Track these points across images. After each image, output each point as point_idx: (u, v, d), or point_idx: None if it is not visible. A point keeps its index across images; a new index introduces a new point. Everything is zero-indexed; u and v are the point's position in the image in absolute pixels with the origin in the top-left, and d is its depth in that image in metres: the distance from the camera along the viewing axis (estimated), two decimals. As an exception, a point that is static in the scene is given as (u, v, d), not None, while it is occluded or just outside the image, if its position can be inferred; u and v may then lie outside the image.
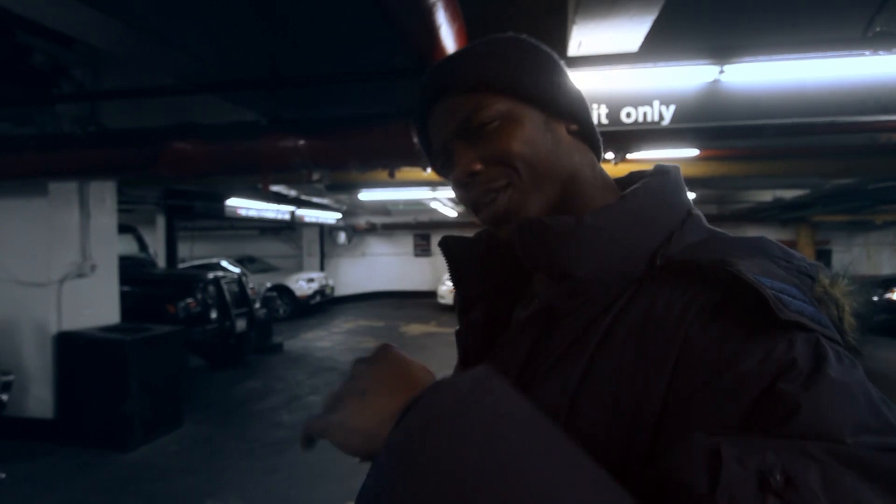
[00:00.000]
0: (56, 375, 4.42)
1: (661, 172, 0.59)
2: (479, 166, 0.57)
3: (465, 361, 0.63)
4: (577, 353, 0.51)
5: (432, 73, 0.60)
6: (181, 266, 9.67)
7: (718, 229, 0.56)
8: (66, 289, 4.46)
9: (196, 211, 8.81)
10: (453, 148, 0.59)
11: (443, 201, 9.72)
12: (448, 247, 0.67)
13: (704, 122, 2.93)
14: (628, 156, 4.45)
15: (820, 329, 0.42)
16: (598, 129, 0.64)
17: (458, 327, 0.66)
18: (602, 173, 0.62)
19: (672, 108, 2.93)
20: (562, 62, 0.62)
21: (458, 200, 0.62)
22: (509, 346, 0.55)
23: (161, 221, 8.87)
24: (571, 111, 0.60)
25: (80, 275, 4.57)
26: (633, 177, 0.64)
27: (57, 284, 4.41)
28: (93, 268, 4.65)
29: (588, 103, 0.64)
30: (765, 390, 0.38)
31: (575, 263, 0.51)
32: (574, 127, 0.60)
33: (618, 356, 0.48)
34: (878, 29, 2.44)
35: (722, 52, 2.60)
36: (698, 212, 0.57)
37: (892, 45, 2.38)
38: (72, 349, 4.41)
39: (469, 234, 0.68)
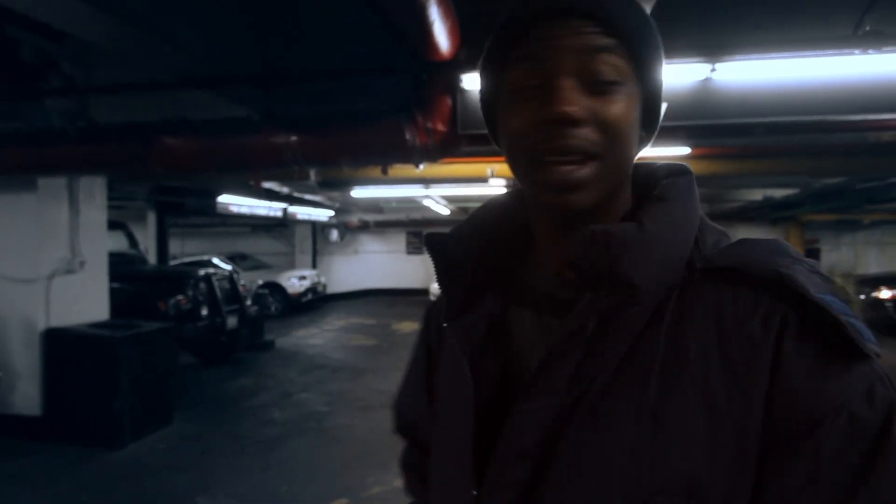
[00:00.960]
0: (44, 372, 4.38)
1: (685, 171, 0.56)
2: (582, 113, 0.48)
3: (476, 374, 0.56)
4: (639, 368, 0.48)
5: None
6: (172, 263, 9.60)
7: (718, 226, 0.56)
8: (54, 285, 4.42)
9: (187, 207, 8.75)
10: (558, 80, 0.49)
11: (435, 199, 9.71)
12: (434, 245, 0.61)
13: (696, 120, 2.95)
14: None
15: (878, 353, 0.45)
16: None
17: (449, 331, 0.60)
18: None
19: (664, 105, 2.93)
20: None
21: (516, 138, 0.52)
22: (555, 362, 0.50)
23: (152, 218, 8.81)
24: (655, 118, 0.56)
25: (69, 271, 4.53)
26: (642, 169, 0.59)
27: (45, 280, 4.37)
28: (82, 264, 4.61)
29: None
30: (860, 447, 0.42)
31: (639, 273, 0.48)
32: (644, 134, 0.55)
33: (701, 374, 0.46)
34: (867, 28, 2.47)
35: (713, 50, 2.61)
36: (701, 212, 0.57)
37: (882, 44, 2.41)
38: (60, 346, 4.37)
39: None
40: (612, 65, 0.49)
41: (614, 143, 0.50)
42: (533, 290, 0.59)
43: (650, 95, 0.53)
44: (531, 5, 0.50)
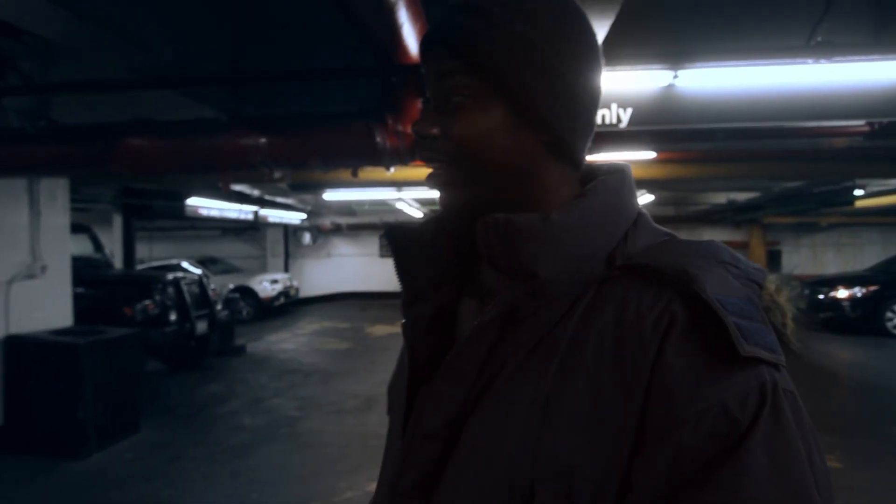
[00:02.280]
0: (4, 381, 4.23)
1: (618, 170, 0.58)
2: (434, 131, 0.56)
3: (414, 359, 0.60)
4: (542, 359, 0.50)
5: (440, 20, 0.56)
6: (139, 267, 9.37)
7: (665, 229, 0.57)
8: (14, 290, 4.28)
9: (155, 210, 8.55)
10: (423, 105, 0.59)
11: (408, 202, 9.71)
12: (394, 237, 0.63)
13: (660, 125, 3.03)
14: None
15: (773, 359, 0.44)
16: (586, 139, 0.59)
17: (403, 321, 0.62)
18: (569, 174, 0.59)
19: (629, 111, 3.01)
20: (593, 53, 0.57)
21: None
22: (466, 349, 0.53)
23: (118, 221, 8.58)
24: (549, 123, 0.54)
25: (30, 276, 4.39)
26: (591, 171, 0.61)
27: (5, 286, 4.23)
28: (43, 269, 4.47)
29: (593, 111, 0.59)
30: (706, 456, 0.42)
31: (540, 263, 0.50)
32: (545, 137, 0.55)
33: (594, 367, 0.47)
34: (819, 38, 2.58)
35: (676, 56, 2.69)
36: (645, 211, 0.58)
37: (833, 54, 2.52)
38: (21, 353, 4.23)
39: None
40: (456, 85, 0.54)
41: (465, 152, 0.55)
42: (481, 283, 0.61)
43: (527, 104, 0.53)
44: (421, 41, 0.58)
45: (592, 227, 0.53)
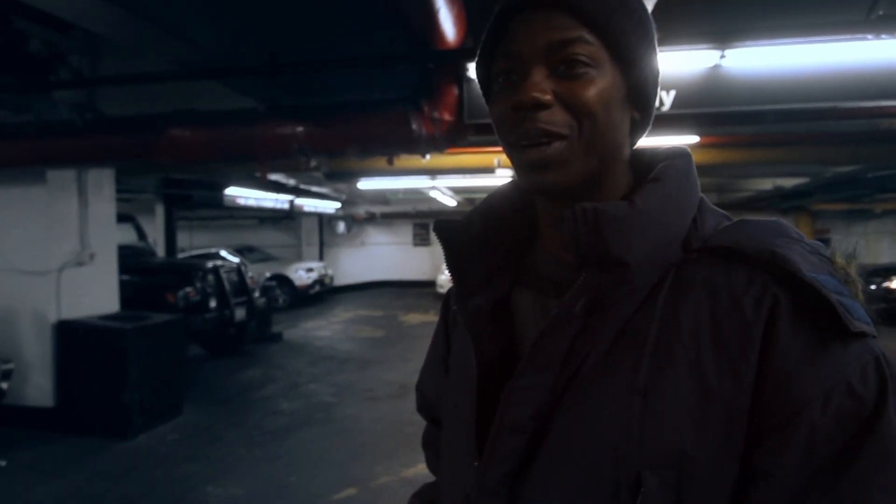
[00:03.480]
0: (55, 364, 4.43)
1: (683, 154, 0.57)
2: (549, 98, 0.51)
3: (480, 353, 0.59)
4: (631, 345, 0.49)
5: None
6: (180, 255, 9.66)
7: (723, 211, 0.57)
8: (65, 277, 4.46)
9: (195, 200, 8.78)
10: (529, 68, 0.52)
11: (442, 190, 9.69)
12: (443, 231, 0.62)
13: (705, 107, 2.92)
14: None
15: (872, 331, 0.45)
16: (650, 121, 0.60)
17: (461, 316, 0.61)
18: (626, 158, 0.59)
19: (672, 93, 2.91)
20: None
21: (498, 124, 0.56)
22: (548, 339, 0.52)
23: (160, 210, 8.85)
24: (646, 100, 0.57)
25: (79, 263, 4.56)
26: (645, 155, 0.61)
27: (56, 273, 4.40)
28: (91, 256, 4.64)
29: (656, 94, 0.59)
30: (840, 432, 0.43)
31: (630, 250, 0.49)
32: (637, 115, 0.57)
33: (693, 351, 0.47)
34: (880, 12, 2.42)
35: (723, 36, 2.57)
36: (703, 195, 0.57)
37: (895, 29, 2.36)
38: (71, 337, 4.41)
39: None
40: (585, 46, 0.52)
41: (584, 123, 0.52)
42: (538, 273, 0.61)
43: (636, 78, 0.55)
44: (508, 1, 0.54)
45: (671, 212, 0.52)
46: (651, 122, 0.59)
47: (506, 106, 0.54)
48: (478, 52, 0.60)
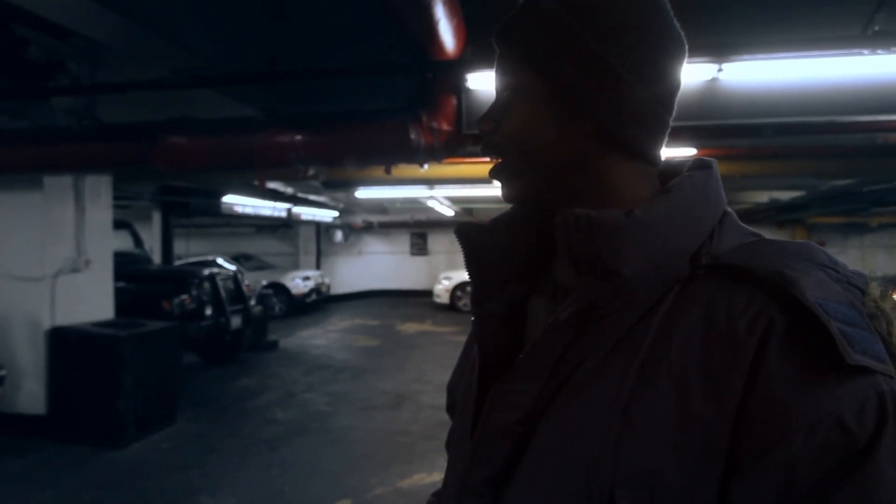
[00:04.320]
0: (49, 371, 4.39)
1: (705, 166, 0.56)
2: (488, 127, 0.58)
3: (485, 356, 0.60)
4: (622, 359, 0.48)
5: (504, 21, 0.58)
6: (177, 263, 9.63)
7: (753, 229, 0.55)
8: (60, 284, 4.43)
9: (192, 208, 8.77)
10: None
11: (439, 200, 9.70)
12: (465, 234, 0.63)
13: (702, 120, 2.93)
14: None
15: (882, 369, 0.41)
16: (648, 131, 0.55)
17: (473, 318, 0.62)
18: (638, 169, 0.56)
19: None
20: (654, 42, 0.53)
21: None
22: (540, 346, 0.52)
23: (157, 218, 8.84)
24: (586, 107, 0.53)
25: (75, 270, 4.54)
26: (672, 167, 0.60)
27: (51, 279, 4.38)
28: (87, 263, 4.62)
29: (655, 104, 0.54)
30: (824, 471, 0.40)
31: (623, 260, 0.48)
32: (589, 126, 0.53)
33: (679, 369, 0.45)
34: (876, 28, 2.45)
35: (720, 49, 2.59)
36: (731, 210, 0.56)
37: (891, 44, 2.38)
38: (65, 344, 4.38)
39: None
40: (506, 75, 0.57)
41: (512, 143, 0.57)
42: (553, 280, 0.61)
43: (558, 88, 0.54)
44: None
45: (677, 225, 0.50)
46: (641, 129, 0.54)
47: None
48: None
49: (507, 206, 0.66)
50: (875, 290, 0.47)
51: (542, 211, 0.64)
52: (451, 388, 0.83)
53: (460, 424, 0.64)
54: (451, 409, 0.84)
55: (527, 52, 0.55)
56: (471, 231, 0.63)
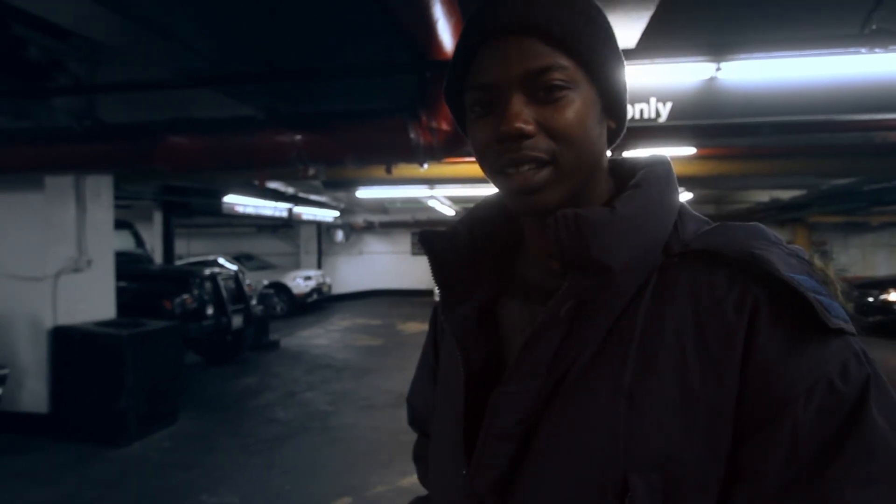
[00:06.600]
0: (51, 369, 4.41)
1: (662, 161, 0.59)
2: (532, 128, 0.51)
3: (468, 361, 0.59)
4: (616, 349, 0.50)
5: (512, 10, 0.52)
6: (178, 263, 9.64)
7: (703, 216, 0.58)
8: (61, 283, 4.45)
9: (193, 207, 8.79)
10: (508, 97, 0.52)
11: (440, 199, 9.71)
12: (428, 242, 0.63)
13: (701, 119, 2.93)
14: (624, 154, 4.45)
15: (851, 329, 0.46)
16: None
17: (447, 325, 0.61)
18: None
19: (669, 105, 2.93)
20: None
21: (481, 153, 0.56)
22: (534, 345, 0.52)
23: (158, 217, 8.86)
24: (620, 109, 0.58)
25: (76, 269, 4.55)
26: (626, 163, 0.62)
27: (52, 279, 4.39)
28: (89, 263, 4.64)
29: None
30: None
31: (613, 255, 0.50)
32: (613, 125, 0.58)
33: (676, 353, 0.48)
34: (874, 26, 2.45)
35: (719, 48, 2.60)
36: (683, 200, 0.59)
37: (889, 43, 2.39)
38: (67, 343, 4.40)
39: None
40: (561, 70, 0.52)
41: (567, 146, 0.52)
42: (524, 281, 0.62)
43: (607, 91, 0.56)
44: (480, 27, 0.54)
45: (652, 217, 0.53)
46: (625, 127, 0.61)
47: (488, 136, 0.54)
48: (446, 80, 0.60)
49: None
50: (818, 260, 0.52)
51: (501, 212, 0.65)
52: (413, 401, 0.83)
53: (445, 435, 0.62)
54: (413, 421, 0.84)
55: (581, 51, 0.52)
56: (433, 238, 0.63)
